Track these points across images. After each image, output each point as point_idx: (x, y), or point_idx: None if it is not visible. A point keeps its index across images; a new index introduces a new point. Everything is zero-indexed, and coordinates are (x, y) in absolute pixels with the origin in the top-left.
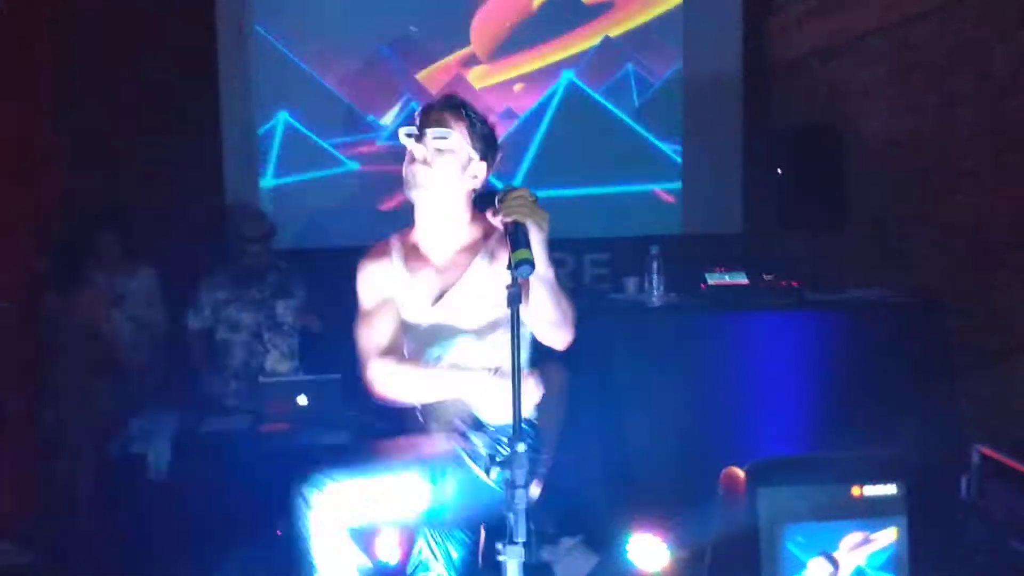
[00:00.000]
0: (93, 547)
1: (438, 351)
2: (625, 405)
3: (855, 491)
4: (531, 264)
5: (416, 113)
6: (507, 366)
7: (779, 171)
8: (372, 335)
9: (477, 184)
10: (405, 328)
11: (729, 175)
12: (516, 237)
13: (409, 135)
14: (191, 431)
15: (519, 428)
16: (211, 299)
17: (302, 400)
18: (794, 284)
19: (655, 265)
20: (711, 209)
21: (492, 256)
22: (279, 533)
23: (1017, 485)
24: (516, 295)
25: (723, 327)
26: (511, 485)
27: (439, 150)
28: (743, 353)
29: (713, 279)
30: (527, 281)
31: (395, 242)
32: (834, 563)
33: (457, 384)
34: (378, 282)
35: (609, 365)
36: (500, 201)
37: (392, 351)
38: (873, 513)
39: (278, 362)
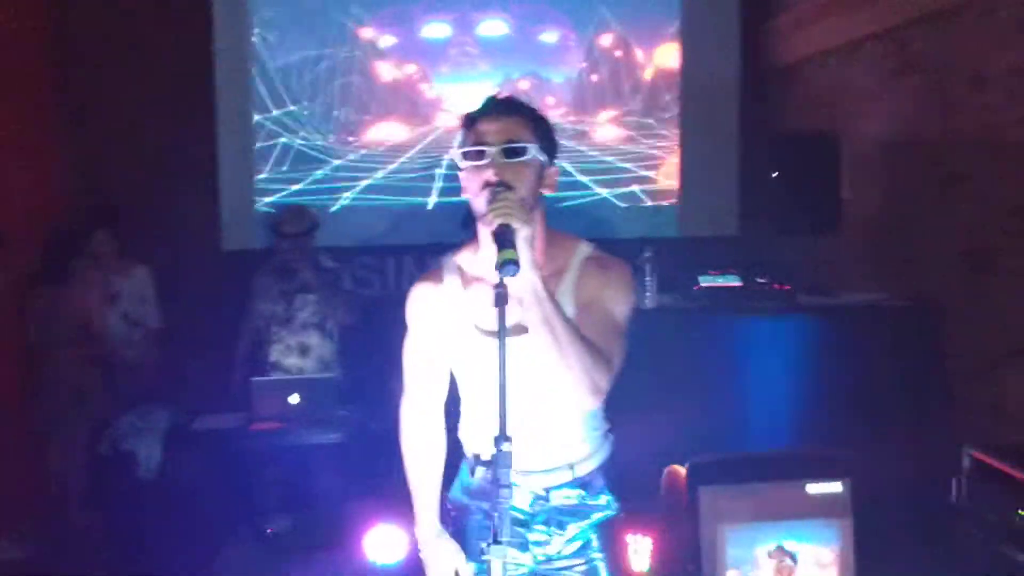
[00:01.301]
0: (86, 543)
1: (503, 396)
2: (616, 406)
3: (798, 489)
4: (516, 264)
5: (465, 125)
6: None
7: (775, 175)
8: (408, 372)
9: (551, 192)
10: (465, 363)
11: (725, 178)
12: (503, 239)
13: (471, 155)
14: (182, 429)
15: (504, 427)
16: (248, 291)
17: (293, 399)
18: (787, 288)
19: (648, 267)
20: (707, 212)
21: (576, 287)
22: (269, 531)
23: (1008, 489)
24: (502, 296)
25: (715, 329)
26: (496, 484)
27: (514, 167)
28: (735, 355)
29: (706, 281)
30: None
31: (450, 266)
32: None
33: (417, 508)
34: (428, 312)
35: None
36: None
37: (424, 399)
38: (817, 512)
39: (282, 355)
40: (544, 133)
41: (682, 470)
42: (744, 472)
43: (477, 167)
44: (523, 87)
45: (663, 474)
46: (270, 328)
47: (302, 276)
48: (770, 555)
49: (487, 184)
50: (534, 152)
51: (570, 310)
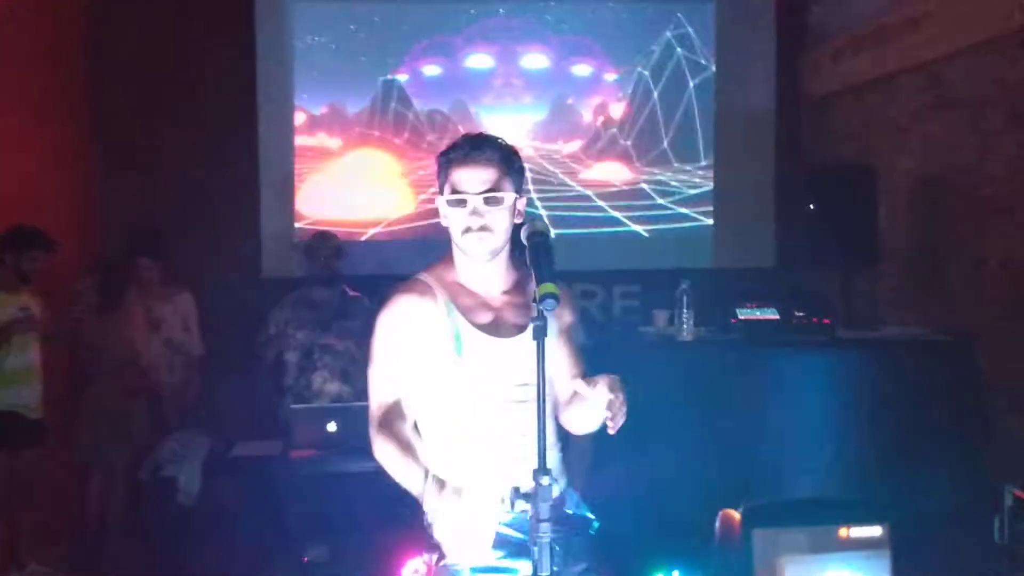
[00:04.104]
0: (125, 569)
1: (502, 386)
2: (653, 439)
3: (842, 532)
4: (556, 298)
5: (447, 162)
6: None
7: (812, 207)
8: (383, 393)
9: (519, 220)
10: (455, 370)
11: (761, 210)
12: (540, 268)
13: (455, 203)
14: (222, 455)
15: (543, 461)
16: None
17: (331, 427)
18: (826, 321)
19: (685, 299)
20: (743, 243)
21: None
22: (305, 560)
23: None
24: (542, 328)
25: (753, 363)
26: (536, 518)
27: (492, 212)
28: (773, 389)
29: (744, 314)
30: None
31: (431, 280)
32: None
33: (411, 482)
34: (414, 325)
35: (638, 398)
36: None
37: (398, 416)
38: (859, 549)
39: (326, 382)
40: (515, 168)
41: (735, 514)
42: (794, 516)
43: (458, 209)
44: (558, 117)
45: (717, 517)
46: (311, 356)
47: (333, 304)
48: None
49: (468, 229)
50: (509, 199)
51: (553, 333)
